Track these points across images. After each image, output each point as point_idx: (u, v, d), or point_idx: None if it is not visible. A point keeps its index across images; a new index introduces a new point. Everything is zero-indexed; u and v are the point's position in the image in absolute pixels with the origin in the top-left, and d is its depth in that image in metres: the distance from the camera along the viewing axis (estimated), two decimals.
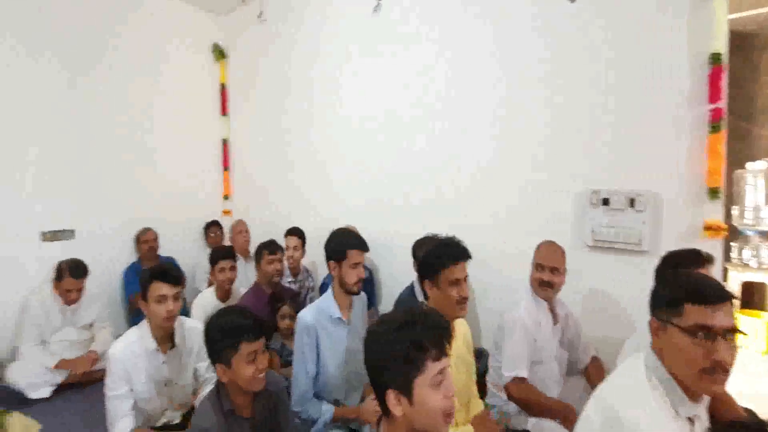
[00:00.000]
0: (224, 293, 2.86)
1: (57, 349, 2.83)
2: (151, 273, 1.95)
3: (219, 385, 1.50)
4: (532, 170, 2.75)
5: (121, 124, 3.78)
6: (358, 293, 2.01)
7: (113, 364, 1.85)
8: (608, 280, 2.46)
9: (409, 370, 0.97)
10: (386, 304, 3.30)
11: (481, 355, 2.49)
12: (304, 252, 3.35)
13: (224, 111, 4.62)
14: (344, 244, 1.94)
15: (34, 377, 2.65)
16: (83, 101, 3.54)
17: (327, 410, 1.86)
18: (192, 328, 2.11)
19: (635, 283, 2.30)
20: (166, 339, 1.98)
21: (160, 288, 1.89)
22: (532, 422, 1.89)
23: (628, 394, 1.08)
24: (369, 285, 3.25)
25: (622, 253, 2.41)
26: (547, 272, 2.02)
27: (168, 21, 4.15)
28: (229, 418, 1.46)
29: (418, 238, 2.68)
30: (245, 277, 3.51)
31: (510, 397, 1.89)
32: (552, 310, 2.09)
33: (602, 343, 2.29)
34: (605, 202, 2.43)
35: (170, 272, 1.96)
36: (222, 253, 2.87)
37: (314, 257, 3.51)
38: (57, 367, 2.74)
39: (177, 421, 2.01)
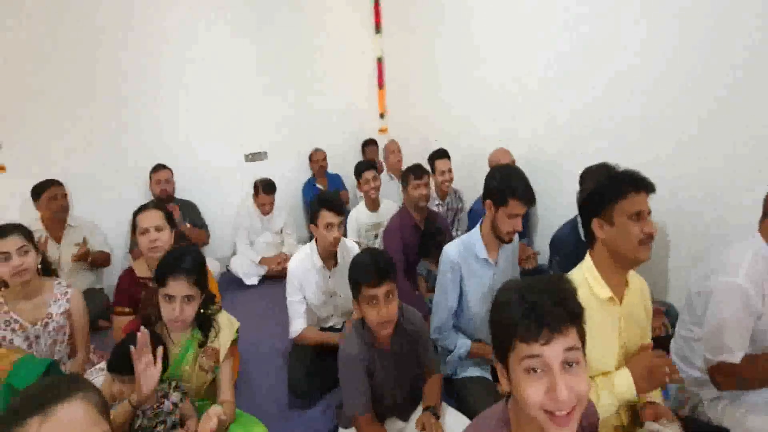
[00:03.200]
0: (372, 203, 2.96)
1: (260, 248, 3.49)
2: (320, 202, 2.04)
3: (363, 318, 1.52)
4: None
5: (294, 53, 3.95)
6: (509, 242, 1.74)
7: (290, 275, 2.11)
8: None
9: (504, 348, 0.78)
10: (543, 237, 2.87)
11: (667, 313, 1.98)
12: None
13: (378, 28, 4.35)
14: (509, 190, 1.62)
15: (247, 268, 3.37)
16: (265, 44, 3.80)
17: (463, 344, 1.78)
18: (350, 248, 2.23)
19: None
20: (330, 257, 2.13)
21: (328, 216, 2.00)
22: (736, 416, 1.39)
23: None
24: (524, 215, 2.86)
25: None
26: None
27: None
28: (370, 348, 1.49)
29: (588, 165, 2.12)
30: (398, 195, 3.54)
31: (715, 384, 1.41)
32: None
33: None
34: None
35: (336, 203, 2.04)
36: (364, 165, 2.94)
37: (465, 180, 3.28)
38: (260, 263, 3.40)
39: (340, 326, 2.25)
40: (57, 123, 3.05)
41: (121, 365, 1.34)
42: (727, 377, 1.37)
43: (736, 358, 1.35)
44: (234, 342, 1.65)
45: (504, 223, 1.68)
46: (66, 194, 2.85)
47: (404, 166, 3.44)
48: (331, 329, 2.20)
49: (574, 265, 1.37)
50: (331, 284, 2.15)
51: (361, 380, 1.45)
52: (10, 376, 1.23)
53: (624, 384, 1.21)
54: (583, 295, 1.21)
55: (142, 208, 1.95)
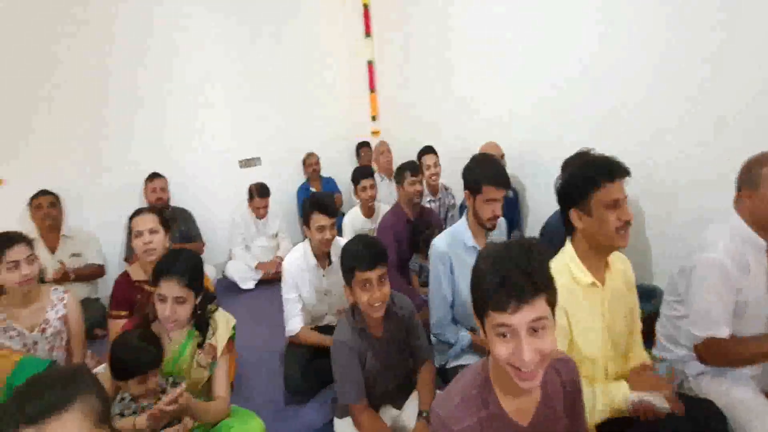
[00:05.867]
0: (368, 210, 2.99)
1: (256, 253, 3.53)
2: (312, 204, 2.06)
3: (354, 305, 1.55)
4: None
5: (285, 59, 4.02)
6: (491, 229, 1.78)
7: (285, 274, 2.14)
8: None
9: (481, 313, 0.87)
10: (533, 228, 2.95)
11: (653, 295, 2.03)
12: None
13: (368, 32, 4.43)
14: (480, 177, 1.68)
15: (243, 273, 3.40)
16: (258, 52, 3.87)
17: (464, 337, 1.81)
18: None
19: None
20: (324, 257, 2.17)
21: (320, 219, 2.02)
22: (721, 389, 1.43)
23: None
24: (513, 207, 2.92)
25: None
26: None
27: None
28: (361, 334, 1.52)
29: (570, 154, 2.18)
30: (390, 195, 3.59)
31: (702, 360, 1.44)
32: None
33: None
34: None
35: (329, 205, 2.05)
36: (362, 172, 2.94)
37: (456, 176, 3.33)
38: (257, 267, 3.44)
39: (334, 324, 2.27)
40: (54, 135, 3.10)
41: (119, 374, 1.39)
42: (715, 353, 1.40)
43: (724, 333, 1.37)
44: (231, 339, 1.69)
45: (483, 209, 1.72)
46: (53, 203, 2.88)
47: (395, 167, 3.50)
48: (327, 327, 2.23)
49: None
50: (326, 283, 2.18)
51: (354, 368, 1.48)
52: (13, 376, 1.27)
53: (620, 397, 1.26)
54: (565, 282, 1.29)
55: (137, 212, 2.01)
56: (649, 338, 1.69)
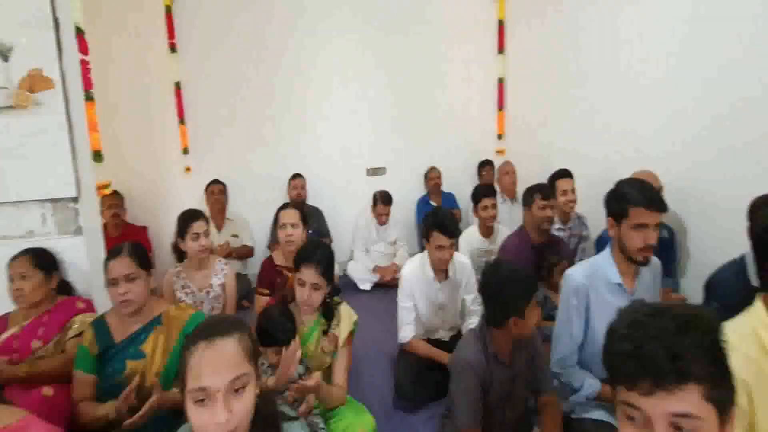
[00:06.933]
0: (486, 230, 2.87)
1: (374, 257, 3.72)
2: (434, 222, 2.06)
3: (485, 327, 1.48)
4: None
5: (417, 75, 4.20)
6: (643, 263, 1.52)
7: (403, 282, 2.19)
8: None
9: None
10: (693, 278, 2.43)
11: None
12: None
13: (501, 49, 4.35)
14: (627, 198, 1.45)
15: (361, 274, 3.61)
16: (393, 68, 4.14)
17: (592, 385, 1.58)
18: (462, 264, 2.23)
19: None
20: (441, 271, 2.16)
21: (440, 239, 2.02)
22: None
23: None
24: (666, 249, 2.45)
25: None
26: None
27: None
28: (490, 360, 1.44)
29: (759, 194, 1.75)
30: (509, 218, 3.40)
31: None
32: None
33: None
34: None
35: (449, 226, 2.03)
36: (484, 191, 2.83)
37: (591, 208, 3.00)
38: (374, 271, 3.60)
39: (446, 339, 2.24)
40: (226, 137, 3.83)
41: (262, 342, 1.57)
42: None
43: None
44: (351, 332, 1.78)
45: (630, 238, 1.46)
46: (222, 191, 3.53)
47: (519, 189, 3.31)
48: (438, 342, 2.20)
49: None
50: (441, 297, 2.17)
51: (474, 393, 1.41)
52: (187, 326, 1.55)
53: None
54: (750, 352, 1.06)
55: (284, 206, 2.31)
56: None
